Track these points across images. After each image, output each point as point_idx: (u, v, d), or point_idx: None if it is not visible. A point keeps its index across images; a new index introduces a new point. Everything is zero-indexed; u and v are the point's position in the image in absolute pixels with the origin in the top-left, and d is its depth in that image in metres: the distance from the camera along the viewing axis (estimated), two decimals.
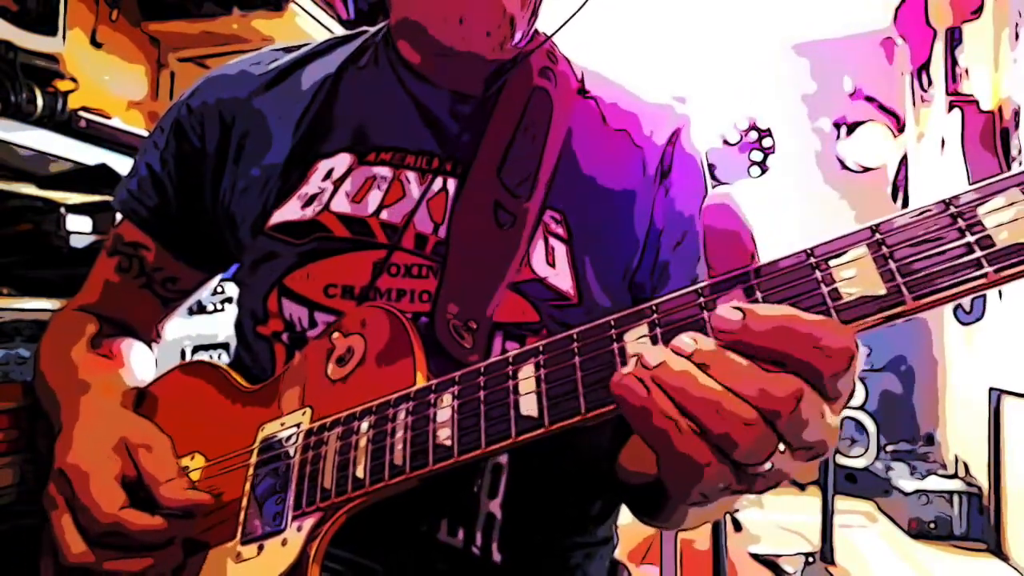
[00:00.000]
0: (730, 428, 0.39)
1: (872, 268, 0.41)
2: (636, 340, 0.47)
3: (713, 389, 0.40)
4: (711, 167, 2.86)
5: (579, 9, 0.84)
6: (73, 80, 1.64)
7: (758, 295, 0.44)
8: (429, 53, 0.82)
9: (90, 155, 1.62)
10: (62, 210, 1.43)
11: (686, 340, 0.42)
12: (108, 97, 2.01)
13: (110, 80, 2.05)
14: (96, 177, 1.57)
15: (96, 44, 1.99)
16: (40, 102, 1.51)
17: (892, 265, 0.41)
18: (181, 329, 1.62)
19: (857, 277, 0.41)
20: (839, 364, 0.39)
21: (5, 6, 1.55)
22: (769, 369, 0.40)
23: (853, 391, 0.42)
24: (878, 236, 0.42)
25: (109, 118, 1.70)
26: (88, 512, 0.63)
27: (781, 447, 0.41)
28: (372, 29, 0.92)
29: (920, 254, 0.40)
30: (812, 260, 0.43)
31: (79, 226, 1.44)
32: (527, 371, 0.52)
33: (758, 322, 0.40)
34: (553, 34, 0.87)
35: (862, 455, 3.89)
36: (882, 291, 0.41)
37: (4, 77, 1.46)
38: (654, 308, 0.48)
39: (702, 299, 0.46)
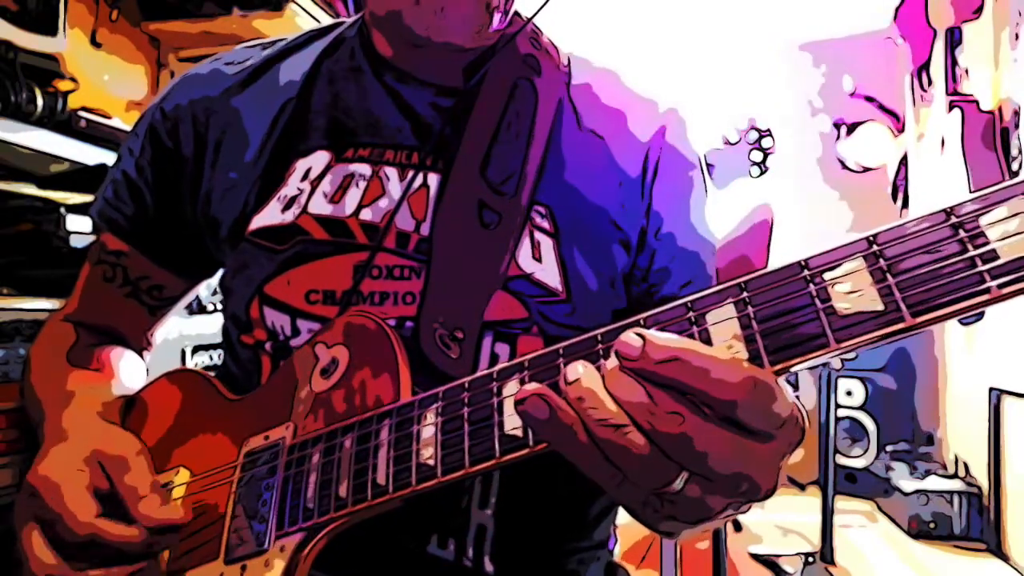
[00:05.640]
0: (623, 447, 0.40)
1: (869, 282, 0.39)
2: None
3: (610, 410, 0.41)
4: (710, 167, 2.86)
5: None
6: (73, 80, 1.64)
7: (749, 310, 0.42)
8: (404, 44, 0.78)
9: (90, 155, 1.62)
10: (62, 210, 1.44)
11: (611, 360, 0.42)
12: (108, 97, 2.01)
13: (110, 80, 2.05)
14: (96, 177, 1.57)
15: (96, 44, 1.99)
16: (40, 102, 1.51)
17: (890, 280, 0.39)
18: (181, 329, 1.62)
19: (853, 292, 0.39)
20: (736, 394, 0.39)
21: (5, 6, 1.55)
22: (655, 395, 0.40)
23: (788, 432, 0.41)
24: (875, 248, 0.39)
25: (109, 118, 1.70)
26: (62, 522, 0.61)
27: (684, 475, 0.41)
28: (348, 21, 0.88)
29: (920, 268, 0.38)
30: (806, 273, 0.41)
31: (79, 226, 1.45)
32: (512, 387, 0.50)
33: (655, 351, 0.40)
34: (532, 17, 0.83)
35: (862, 455, 3.89)
36: (880, 307, 0.38)
37: (4, 77, 1.46)
38: (642, 322, 0.46)
39: (691, 313, 0.44)
